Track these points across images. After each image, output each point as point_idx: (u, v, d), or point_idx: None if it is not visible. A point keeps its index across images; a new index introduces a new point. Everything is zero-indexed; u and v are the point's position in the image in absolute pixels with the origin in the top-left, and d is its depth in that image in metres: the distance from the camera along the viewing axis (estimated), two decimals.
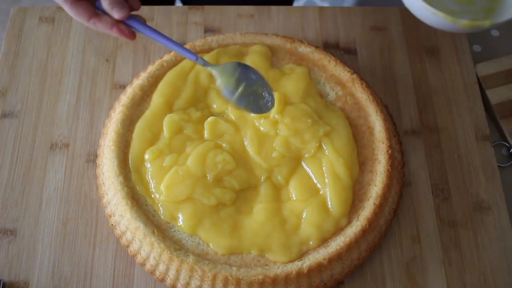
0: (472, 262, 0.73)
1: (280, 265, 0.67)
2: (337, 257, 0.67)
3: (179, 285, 0.67)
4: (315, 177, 0.72)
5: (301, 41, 0.83)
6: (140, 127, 0.74)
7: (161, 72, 0.78)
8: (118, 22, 0.68)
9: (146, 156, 0.72)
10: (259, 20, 0.90)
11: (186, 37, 0.88)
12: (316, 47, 0.82)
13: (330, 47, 0.88)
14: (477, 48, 0.90)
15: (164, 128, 0.73)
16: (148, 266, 0.69)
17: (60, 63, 0.85)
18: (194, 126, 0.74)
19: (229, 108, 0.75)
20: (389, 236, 0.74)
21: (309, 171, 0.72)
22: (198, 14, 0.90)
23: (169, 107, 0.75)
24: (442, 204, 0.76)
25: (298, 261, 0.67)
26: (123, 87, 0.83)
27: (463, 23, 0.70)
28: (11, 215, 0.74)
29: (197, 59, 0.71)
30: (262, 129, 0.74)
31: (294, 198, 0.71)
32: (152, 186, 0.70)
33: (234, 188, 0.70)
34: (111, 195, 0.71)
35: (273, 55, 0.81)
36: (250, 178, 0.72)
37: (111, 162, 0.71)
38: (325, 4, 1.91)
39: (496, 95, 0.83)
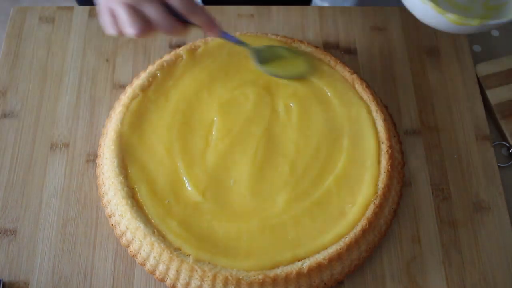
0: (472, 262, 0.73)
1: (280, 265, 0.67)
2: (337, 257, 0.67)
3: (179, 285, 0.67)
4: None
5: (301, 41, 0.83)
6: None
7: (161, 72, 0.78)
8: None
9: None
10: (259, 20, 0.90)
11: (186, 37, 0.88)
12: (316, 47, 0.82)
13: (330, 47, 0.88)
14: (477, 48, 0.91)
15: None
16: (148, 266, 0.69)
17: (60, 63, 0.85)
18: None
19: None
20: (389, 236, 0.74)
21: None
22: None
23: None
24: (442, 204, 0.76)
25: (298, 261, 0.67)
26: (123, 87, 0.83)
27: (451, 18, 0.69)
28: (11, 215, 0.74)
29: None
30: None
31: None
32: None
33: None
34: (111, 195, 0.71)
35: None
36: None
37: (111, 162, 0.71)
38: (325, 4, 1.91)
39: (496, 95, 0.83)
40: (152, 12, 0.62)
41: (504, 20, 0.70)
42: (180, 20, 0.65)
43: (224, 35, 0.73)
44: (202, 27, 0.67)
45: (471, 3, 0.81)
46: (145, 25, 0.62)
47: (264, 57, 0.78)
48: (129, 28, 0.62)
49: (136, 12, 0.61)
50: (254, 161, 0.73)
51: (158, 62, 0.79)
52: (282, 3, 0.92)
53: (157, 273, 0.68)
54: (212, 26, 0.68)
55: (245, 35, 0.82)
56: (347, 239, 0.68)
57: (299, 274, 0.66)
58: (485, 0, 0.81)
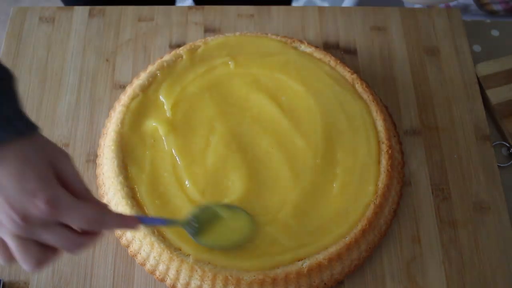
0: (472, 262, 0.73)
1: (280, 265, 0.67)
2: (337, 257, 0.67)
3: (179, 285, 0.67)
4: None
5: (301, 41, 0.83)
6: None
7: (161, 72, 0.78)
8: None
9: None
10: (259, 20, 0.90)
11: (186, 37, 0.88)
12: (316, 47, 0.83)
13: (330, 47, 0.88)
14: (477, 48, 0.90)
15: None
16: (148, 266, 0.69)
17: (60, 63, 0.85)
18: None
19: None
20: (389, 236, 0.74)
21: None
22: (198, 14, 0.90)
23: None
24: (442, 204, 0.76)
25: (298, 261, 0.67)
26: (123, 87, 0.83)
27: None
28: None
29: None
30: None
31: None
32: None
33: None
34: (111, 195, 0.71)
35: None
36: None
37: (111, 162, 0.71)
38: (325, 4, 1.91)
39: (496, 95, 0.83)
40: (51, 239, 0.50)
41: None
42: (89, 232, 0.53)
43: (147, 221, 0.63)
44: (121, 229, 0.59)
45: None
46: (43, 257, 0.50)
47: (201, 222, 0.66)
48: (23, 264, 0.50)
49: (28, 245, 0.49)
50: (253, 161, 0.73)
51: (158, 62, 0.79)
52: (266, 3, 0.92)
53: (157, 273, 0.68)
54: (128, 223, 0.56)
55: (245, 35, 0.82)
56: (347, 239, 0.68)
57: (299, 274, 0.66)
58: None
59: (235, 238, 0.67)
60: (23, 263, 0.50)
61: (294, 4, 1.52)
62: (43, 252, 0.51)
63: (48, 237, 0.50)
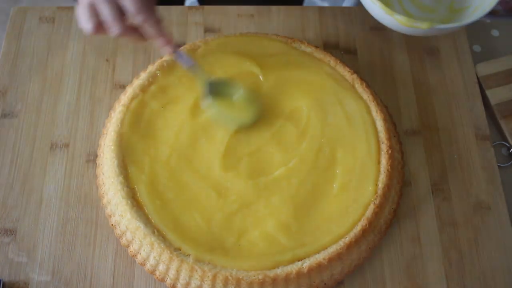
0: (472, 262, 0.73)
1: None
2: (337, 257, 0.67)
3: (179, 285, 0.67)
4: None
5: (301, 41, 0.83)
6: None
7: (161, 72, 0.78)
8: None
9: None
10: (259, 20, 0.90)
11: (186, 37, 0.88)
12: (316, 47, 0.83)
13: (330, 47, 0.88)
14: (477, 48, 0.91)
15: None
16: (148, 266, 0.69)
17: (60, 63, 0.85)
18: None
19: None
20: (389, 236, 0.74)
21: None
22: (198, 14, 0.90)
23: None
24: (442, 204, 0.76)
25: (298, 261, 0.67)
26: (123, 87, 0.83)
27: (399, 19, 0.69)
28: (11, 215, 0.74)
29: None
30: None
31: None
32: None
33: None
34: (111, 195, 0.71)
35: None
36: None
37: (111, 162, 0.71)
38: (325, 4, 1.91)
39: (496, 95, 0.84)
40: (105, 12, 0.63)
41: (454, 25, 0.70)
42: (134, 28, 0.65)
43: (179, 56, 0.68)
44: (155, 39, 0.65)
45: (436, 5, 0.80)
46: (98, 24, 0.64)
47: (217, 90, 0.73)
48: (84, 24, 0.64)
49: (91, 10, 0.63)
50: (253, 161, 0.73)
51: (158, 62, 0.79)
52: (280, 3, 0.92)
53: (157, 273, 0.68)
54: (166, 40, 0.66)
55: (245, 35, 0.82)
56: (347, 239, 0.68)
57: (299, 274, 0.66)
58: (450, 3, 0.81)
59: (239, 118, 0.73)
60: (85, 23, 0.64)
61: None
62: (99, 22, 0.64)
63: (104, 9, 0.62)
